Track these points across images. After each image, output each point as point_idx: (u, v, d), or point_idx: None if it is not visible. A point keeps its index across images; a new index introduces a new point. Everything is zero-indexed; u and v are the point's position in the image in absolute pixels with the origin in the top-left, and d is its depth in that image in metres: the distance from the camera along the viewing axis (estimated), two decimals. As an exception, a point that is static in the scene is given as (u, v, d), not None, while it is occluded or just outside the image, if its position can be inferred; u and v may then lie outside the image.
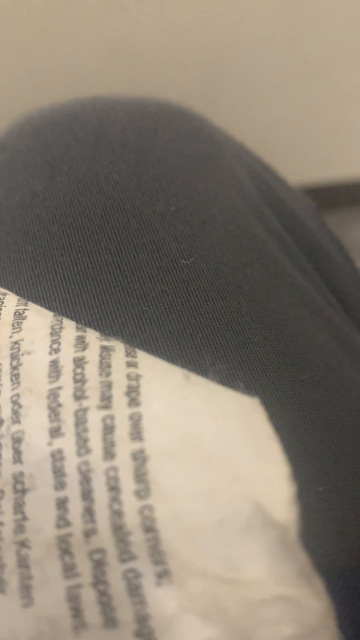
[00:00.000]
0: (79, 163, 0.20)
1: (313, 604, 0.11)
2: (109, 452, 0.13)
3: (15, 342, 0.15)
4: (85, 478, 0.12)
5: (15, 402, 0.14)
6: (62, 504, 0.12)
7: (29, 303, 0.16)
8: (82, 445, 0.13)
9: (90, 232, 0.18)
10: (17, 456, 0.13)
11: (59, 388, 0.13)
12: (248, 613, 0.11)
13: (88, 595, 0.12)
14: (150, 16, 0.83)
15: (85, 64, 0.85)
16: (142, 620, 0.12)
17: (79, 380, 0.14)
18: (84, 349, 0.14)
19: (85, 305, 0.17)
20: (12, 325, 0.15)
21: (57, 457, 0.13)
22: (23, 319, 0.15)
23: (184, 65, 0.89)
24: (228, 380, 0.16)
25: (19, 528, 0.13)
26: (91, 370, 0.14)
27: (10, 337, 0.15)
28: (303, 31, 0.91)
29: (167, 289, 0.17)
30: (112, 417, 0.13)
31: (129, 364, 0.14)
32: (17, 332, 0.15)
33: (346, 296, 0.25)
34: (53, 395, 0.13)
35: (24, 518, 0.13)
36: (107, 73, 0.86)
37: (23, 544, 0.12)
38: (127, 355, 0.14)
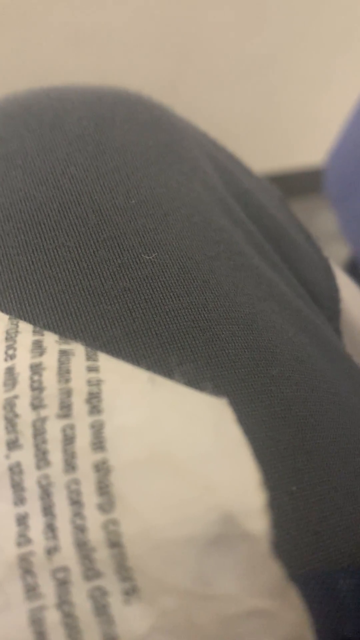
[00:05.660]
0: (33, 156, 0.19)
1: (288, 615, 0.11)
2: (69, 464, 0.12)
3: (-32, 349, 0.14)
4: (46, 492, 0.12)
5: (-31, 414, 0.13)
6: (22, 520, 0.12)
7: (-17, 306, 0.15)
8: (42, 457, 0.12)
9: (46, 229, 0.17)
10: (-27, 471, 0.12)
11: (15, 397, 0.13)
12: (222, 628, 0.11)
13: (52, 618, 0.11)
14: (111, 5, 0.82)
15: (44, 52, 0.83)
16: (111, 641, 0.11)
17: (37, 388, 0.13)
18: (41, 354, 0.13)
19: (43, 306, 0.16)
20: (-35, 330, 0.14)
21: (15, 470, 0.12)
22: (-24, 324, 0.14)
23: (145, 54, 0.88)
24: (195, 379, 0.15)
25: (-23, 548, 0.12)
26: (49, 377, 0.13)
27: None
28: (268, 19, 0.90)
29: (129, 286, 0.17)
30: (72, 427, 0.12)
31: (90, 369, 0.13)
32: (-30, 338, 0.14)
33: (314, 286, 0.24)
34: (9, 405, 0.13)
35: (-18, 538, 0.12)
36: (67, 62, 0.84)
37: (-19, 566, 0.12)
38: (88, 359, 0.14)
